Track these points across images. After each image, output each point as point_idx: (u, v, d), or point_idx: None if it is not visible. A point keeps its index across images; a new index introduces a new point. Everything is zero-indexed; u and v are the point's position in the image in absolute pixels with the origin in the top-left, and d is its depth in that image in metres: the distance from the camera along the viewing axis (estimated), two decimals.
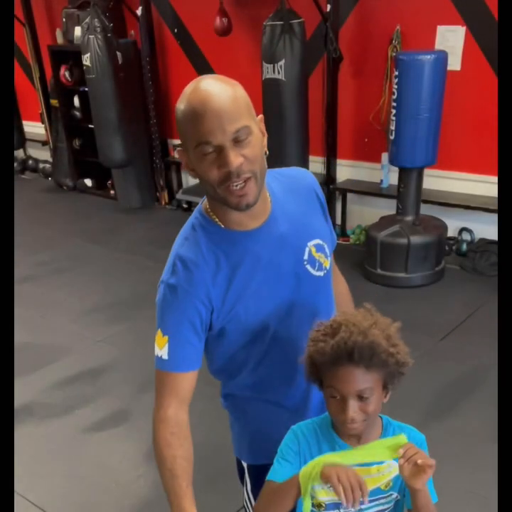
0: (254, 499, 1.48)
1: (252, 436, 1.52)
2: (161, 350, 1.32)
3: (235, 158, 1.15)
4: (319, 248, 1.37)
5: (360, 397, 1.15)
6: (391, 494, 1.27)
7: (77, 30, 5.60)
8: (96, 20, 4.93)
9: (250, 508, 1.55)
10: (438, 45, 4.21)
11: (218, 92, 1.16)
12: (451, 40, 4.17)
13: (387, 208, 4.52)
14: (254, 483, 1.50)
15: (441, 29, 4.21)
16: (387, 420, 1.28)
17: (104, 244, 5.34)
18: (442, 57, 3.77)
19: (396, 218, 4.24)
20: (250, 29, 4.91)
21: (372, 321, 1.19)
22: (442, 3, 4.14)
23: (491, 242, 4.32)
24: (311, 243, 1.36)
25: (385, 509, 1.29)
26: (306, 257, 1.35)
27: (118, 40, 5.25)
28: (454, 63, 4.14)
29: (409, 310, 3.77)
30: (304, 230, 1.36)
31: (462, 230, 4.57)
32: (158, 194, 6.20)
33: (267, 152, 1.26)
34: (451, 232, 4.50)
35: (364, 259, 4.37)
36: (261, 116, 1.26)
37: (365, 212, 4.95)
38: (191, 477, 1.30)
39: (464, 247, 4.49)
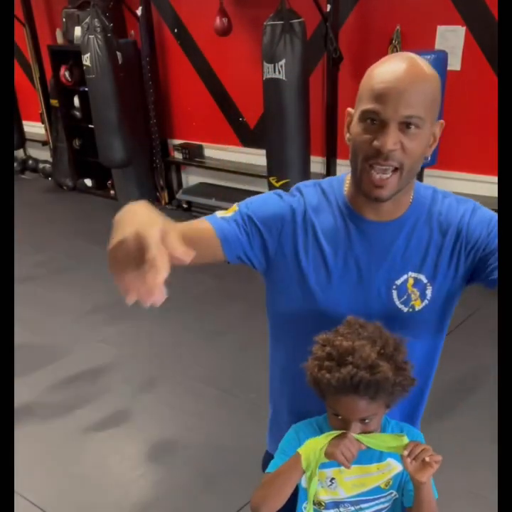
0: None
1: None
2: (226, 213, 1.24)
3: (393, 142, 1.08)
4: (419, 285, 1.23)
5: (362, 420, 1.17)
6: (391, 493, 1.28)
7: (77, 30, 5.60)
8: (96, 20, 4.93)
9: None
10: (438, 45, 4.21)
11: (416, 73, 1.09)
12: (451, 40, 4.17)
13: None
14: None
15: (441, 29, 4.21)
16: (385, 419, 1.29)
17: (104, 244, 5.21)
18: (442, 57, 3.77)
19: None
20: (250, 29, 4.91)
21: (379, 349, 1.13)
22: (442, 3, 4.14)
23: None
24: (413, 274, 1.22)
25: (384, 507, 1.30)
26: (398, 282, 1.23)
27: (118, 40, 5.24)
28: (454, 63, 4.14)
29: None
30: (415, 258, 1.22)
31: None
32: (158, 194, 6.20)
33: (429, 158, 1.18)
34: None
35: None
36: (442, 121, 1.17)
37: None
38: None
39: None
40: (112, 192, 6.42)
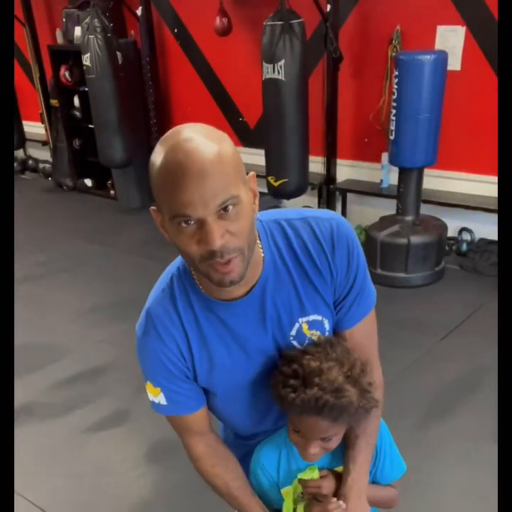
0: None
1: None
2: (157, 397, 1.25)
3: (219, 236, 0.98)
4: (315, 325, 1.20)
5: (323, 439, 1.17)
6: None
7: (77, 30, 5.60)
8: (96, 20, 4.93)
9: None
10: (438, 45, 4.21)
11: (201, 154, 0.96)
12: (451, 40, 4.17)
13: (387, 208, 4.52)
14: None
15: (441, 29, 4.21)
16: None
17: (104, 244, 5.34)
18: (442, 57, 3.77)
19: (396, 218, 4.24)
20: (250, 29, 4.91)
21: (347, 369, 1.13)
22: (442, 3, 4.14)
23: (491, 242, 4.32)
24: (304, 319, 1.19)
25: None
26: (293, 333, 1.20)
27: (118, 40, 5.24)
28: (454, 63, 4.14)
29: (409, 310, 3.77)
30: (297, 304, 1.18)
31: (462, 230, 4.57)
32: None
33: (257, 213, 1.09)
34: (451, 232, 4.50)
35: None
36: (252, 173, 1.07)
37: (365, 213, 4.95)
38: (249, 488, 1.33)
39: (464, 247, 4.49)
40: (112, 192, 6.42)
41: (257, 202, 1.08)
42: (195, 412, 1.28)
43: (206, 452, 1.32)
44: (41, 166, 7.43)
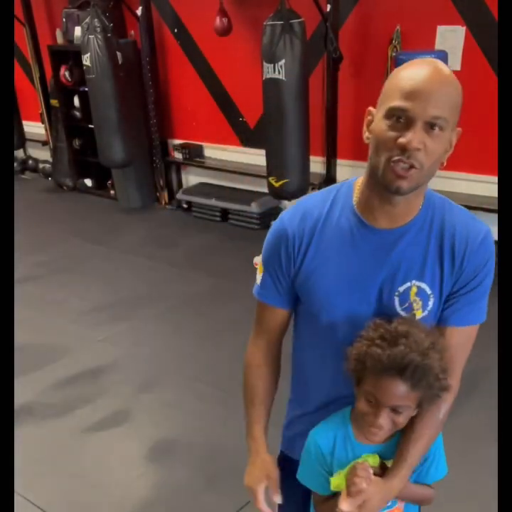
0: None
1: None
2: (258, 276, 1.36)
3: (418, 139, 1.08)
4: (422, 294, 1.23)
5: (394, 410, 1.17)
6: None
7: (77, 30, 5.60)
8: (96, 20, 4.92)
9: None
10: (438, 45, 4.21)
11: (444, 77, 1.13)
12: (451, 40, 4.17)
13: None
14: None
15: (441, 29, 4.21)
16: None
17: (104, 244, 5.34)
18: (442, 57, 3.77)
19: None
20: (250, 29, 4.91)
21: (431, 341, 1.16)
22: (442, 3, 4.14)
23: None
24: (417, 282, 1.22)
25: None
26: (401, 289, 1.22)
27: (118, 40, 5.24)
28: (454, 63, 4.14)
29: None
30: (419, 265, 1.22)
31: None
32: (158, 194, 6.20)
33: (444, 163, 1.19)
34: None
35: None
36: (459, 129, 1.21)
37: None
38: (268, 403, 1.42)
39: None
40: (112, 192, 6.42)
41: (449, 153, 1.18)
42: (276, 307, 1.36)
43: (262, 352, 1.42)
44: (41, 166, 7.42)
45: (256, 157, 4.86)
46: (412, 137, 1.08)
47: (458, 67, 4.20)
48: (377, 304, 1.24)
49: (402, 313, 1.23)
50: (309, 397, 1.43)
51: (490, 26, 3.96)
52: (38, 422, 3.07)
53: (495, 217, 4.13)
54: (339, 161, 4.93)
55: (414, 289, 1.22)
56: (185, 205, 5.93)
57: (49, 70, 6.39)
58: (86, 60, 5.05)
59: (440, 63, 1.15)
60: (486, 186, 4.27)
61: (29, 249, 5.15)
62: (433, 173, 1.16)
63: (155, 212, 6.12)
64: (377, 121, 1.16)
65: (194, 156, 5.85)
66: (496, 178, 4.06)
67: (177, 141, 6.06)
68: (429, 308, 1.24)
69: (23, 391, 3.21)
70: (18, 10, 6.18)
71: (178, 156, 5.97)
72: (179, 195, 5.95)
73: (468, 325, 1.28)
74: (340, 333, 1.27)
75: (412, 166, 1.10)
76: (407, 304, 1.23)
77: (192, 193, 5.80)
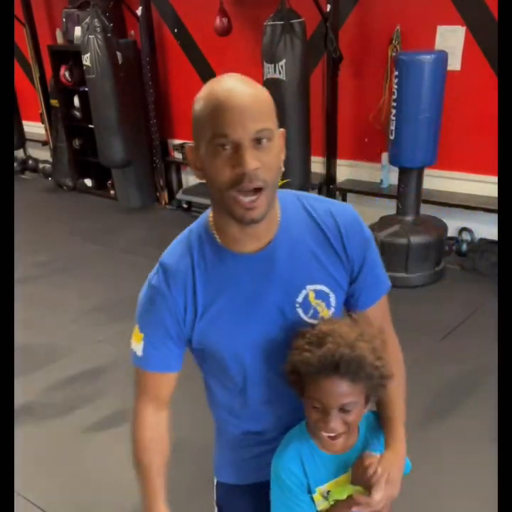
0: None
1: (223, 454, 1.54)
2: (137, 345, 1.27)
3: (253, 158, 1.04)
4: (320, 295, 1.23)
5: (343, 410, 1.15)
6: None
7: (77, 30, 5.60)
8: (96, 20, 4.93)
9: None
10: (438, 45, 4.21)
11: (245, 88, 1.08)
12: (451, 40, 4.17)
13: (387, 208, 4.52)
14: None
15: (441, 29, 4.21)
16: (361, 422, 1.28)
17: (104, 244, 5.34)
18: (442, 57, 3.77)
19: (396, 218, 4.24)
20: (250, 29, 4.91)
21: (358, 333, 1.15)
22: (442, 3, 4.14)
23: (491, 242, 4.32)
24: (311, 287, 1.21)
25: None
26: (299, 299, 1.21)
27: (118, 40, 5.24)
28: (454, 63, 4.14)
29: (409, 310, 3.77)
30: (306, 271, 1.21)
31: (462, 230, 4.57)
32: (158, 194, 6.20)
33: (283, 168, 1.15)
34: (451, 232, 4.50)
35: None
36: (282, 130, 1.15)
37: (365, 213, 4.89)
38: (162, 481, 1.39)
39: (464, 247, 4.49)
40: (112, 192, 6.42)
41: (283, 157, 1.14)
42: (165, 372, 1.29)
43: (152, 424, 1.33)
44: (41, 166, 7.43)
45: None
46: (246, 160, 1.04)
47: (458, 67, 4.20)
48: (283, 322, 1.22)
49: (310, 320, 1.22)
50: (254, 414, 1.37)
51: (490, 26, 3.96)
52: (38, 422, 3.07)
53: (495, 217, 4.13)
54: (339, 161, 4.93)
55: (311, 294, 1.22)
56: (185, 205, 5.93)
57: (49, 70, 6.39)
58: (86, 60, 5.06)
59: (234, 77, 1.12)
60: (486, 186, 4.27)
61: (29, 249, 5.15)
62: (277, 183, 1.13)
63: (155, 212, 6.12)
64: (204, 158, 1.10)
65: None
66: (495, 178, 4.06)
67: (177, 141, 6.06)
68: (333, 305, 1.24)
69: (23, 391, 3.21)
70: (18, 10, 6.18)
71: (178, 156, 5.97)
72: (179, 195, 5.95)
73: (380, 298, 1.32)
74: (258, 364, 1.25)
75: (257, 189, 1.07)
76: (311, 311, 1.22)
77: (192, 193, 5.79)
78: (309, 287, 1.21)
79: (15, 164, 7.56)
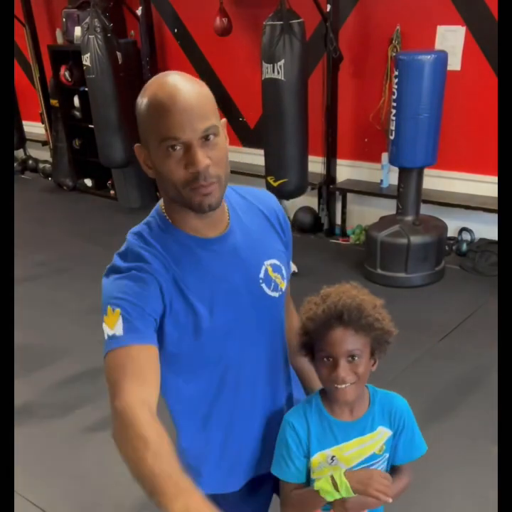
0: None
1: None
2: (113, 328, 1.13)
3: (203, 159, 1.09)
4: (276, 268, 1.32)
5: (350, 358, 1.24)
6: (385, 456, 1.36)
7: (77, 30, 5.60)
8: (96, 20, 4.93)
9: None
10: (438, 45, 4.21)
11: (188, 87, 1.10)
12: (451, 40, 4.17)
13: (387, 208, 4.52)
14: None
15: (441, 29, 4.21)
16: (374, 390, 1.37)
17: (104, 244, 5.32)
18: (442, 57, 3.77)
19: (396, 218, 4.24)
20: (250, 29, 4.91)
21: (360, 291, 1.28)
22: (442, 3, 4.15)
23: (491, 242, 4.32)
24: (268, 262, 1.31)
25: (381, 469, 1.37)
26: (261, 275, 1.29)
27: (118, 40, 5.24)
28: (454, 63, 4.14)
29: (409, 310, 3.77)
30: (261, 248, 1.31)
31: (462, 230, 4.57)
32: (158, 194, 6.18)
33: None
34: (451, 232, 4.50)
35: (364, 259, 4.37)
36: (224, 120, 1.20)
37: (365, 212, 4.95)
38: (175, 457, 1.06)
39: (464, 247, 4.49)
40: (112, 192, 6.42)
41: (228, 145, 1.19)
42: (150, 344, 1.14)
43: (144, 402, 1.08)
44: (41, 166, 7.43)
45: (256, 157, 4.86)
46: (197, 160, 1.09)
47: (458, 67, 4.20)
48: (252, 300, 1.28)
49: (273, 293, 1.31)
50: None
51: (490, 26, 3.96)
52: (38, 422, 3.07)
53: (495, 217, 4.13)
54: (339, 161, 4.93)
55: (269, 268, 1.31)
56: None
57: (49, 70, 6.39)
58: (86, 60, 5.06)
59: (175, 76, 1.12)
60: (486, 186, 4.27)
61: (29, 249, 5.15)
62: (228, 174, 1.18)
63: None
64: (154, 158, 1.14)
65: None
66: (495, 178, 4.07)
67: None
68: (285, 276, 1.35)
69: (23, 391, 3.21)
70: (18, 10, 6.18)
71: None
72: None
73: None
74: (235, 342, 1.27)
75: (211, 184, 1.13)
76: (272, 284, 1.31)
77: None
78: (266, 262, 1.31)
79: (15, 164, 7.56)
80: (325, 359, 1.25)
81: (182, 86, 1.10)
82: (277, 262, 1.33)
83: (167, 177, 1.13)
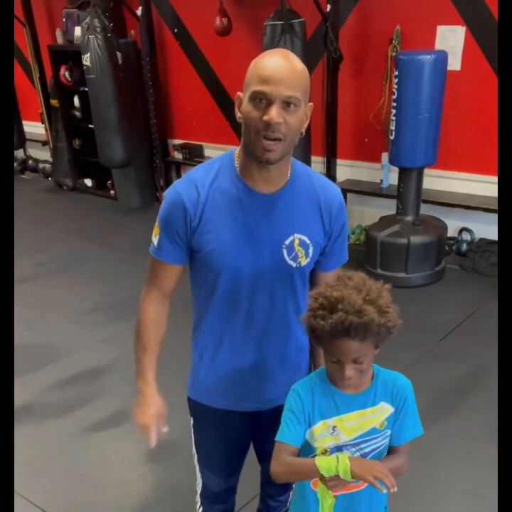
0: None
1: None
2: (155, 238, 1.54)
3: (278, 115, 1.31)
4: (303, 244, 1.49)
5: (356, 361, 1.31)
6: (386, 432, 1.41)
7: (77, 30, 5.60)
8: (96, 20, 4.93)
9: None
10: (438, 45, 4.22)
11: (293, 64, 1.35)
12: (451, 40, 4.17)
13: (387, 208, 4.52)
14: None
15: (441, 29, 4.21)
16: (378, 369, 1.44)
17: (104, 244, 5.34)
18: (442, 57, 3.78)
19: (396, 218, 4.24)
20: (250, 29, 4.91)
21: (365, 294, 1.29)
22: (442, 3, 4.15)
23: (491, 242, 4.32)
24: (298, 235, 1.48)
25: (381, 445, 1.42)
26: (287, 242, 1.47)
27: (118, 40, 5.24)
28: (454, 63, 4.15)
29: (409, 310, 3.76)
30: (297, 222, 1.48)
31: (462, 230, 4.57)
32: (158, 194, 6.20)
33: (303, 133, 1.41)
34: (451, 232, 4.50)
35: (364, 259, 4.37)
36: (312, 104, 1.41)
37: (365, 212, 4.95)
38: (156, 353, 1.62)
39: (464, 247, 4.49)
40: (112, 192, 6.42)
41: (306, 124, 1.40)
42: (171, 264, 1.53)
43: (155, 309, 1.60)
44: (41, 166, 7.43)
45: None
46: (273, 114, 1.31)
47: (458, 67, 4.20)
48: (269, 256, 1.47)
49: (291, 262, 1.48)
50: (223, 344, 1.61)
51: (490, 26, 3.96)
52: (38, 422, 3.07)
53: (495, 217, 4.13)
54: (339, 161, 4.93)
55: (297, 241, 1.48)
56: None
57: (49, 70, 6.39)
58: (86, 60, 5.06)
59: (290, 54, 1.39)
60: (486, 186, 4.27)
61: (29, 249, 5.15)
62: (295, 142, 1.39)
63: (155, 212, 6.01)
64: (244, 104, 1.38)
65: (194, 156, 5.85)
66: (495, 178, 4.07)
67: (177, 141, 6.06)
68: (310, 255, 1.51)
69: (23, 391, 3.21)
70: (18, 10, 6.18)
71: (178, 156, 5.97)
72: None
73: (340, 266, 1.63)
74: (244, 285, 1.49)
75: (276, 139, 1.33)
76: (293, 254, 1.48)
77: None
78: (296, 235, 1.48)
79: (15, 164, 7.56)
80: (333, 361, 1.33)
81: (285, 58, 1.36)
82: (307, 240, 1.49)
83: (247, 122, 1.36)
